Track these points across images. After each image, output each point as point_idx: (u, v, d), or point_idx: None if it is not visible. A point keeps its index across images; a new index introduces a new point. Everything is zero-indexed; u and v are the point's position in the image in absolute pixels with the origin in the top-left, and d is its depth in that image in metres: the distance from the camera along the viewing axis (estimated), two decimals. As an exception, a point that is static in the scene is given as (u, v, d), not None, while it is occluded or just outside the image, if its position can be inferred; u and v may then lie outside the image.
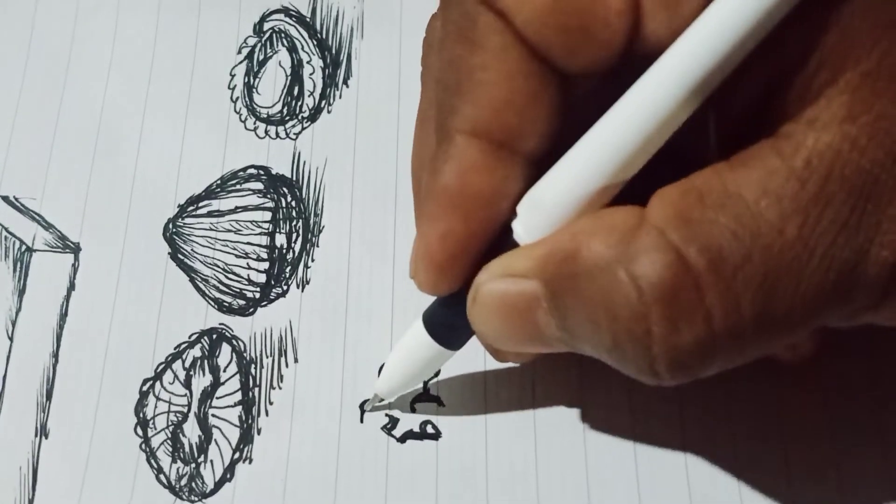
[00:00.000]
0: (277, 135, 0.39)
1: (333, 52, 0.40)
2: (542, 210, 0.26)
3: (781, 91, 0.24)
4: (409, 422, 0.34)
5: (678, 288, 0.24)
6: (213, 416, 0.34)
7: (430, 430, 0.34)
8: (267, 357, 0.35)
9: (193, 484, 0.33)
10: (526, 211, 0.27)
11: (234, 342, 0.35)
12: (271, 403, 0.34)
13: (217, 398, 0.34)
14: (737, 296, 0.23)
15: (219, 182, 0.38)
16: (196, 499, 0.33)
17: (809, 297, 0.24)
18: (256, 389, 0.34)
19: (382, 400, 0.34)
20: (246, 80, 0.40)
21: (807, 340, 0.31)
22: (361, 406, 0.34)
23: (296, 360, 0.35)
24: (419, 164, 0.31)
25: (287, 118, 0.39)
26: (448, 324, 0.30)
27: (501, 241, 0.27)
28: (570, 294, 0.25)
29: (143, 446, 0.34)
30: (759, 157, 0.24)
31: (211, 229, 0.37)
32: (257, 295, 0.36)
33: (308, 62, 0.40)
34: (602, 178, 0.25)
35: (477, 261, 0.28)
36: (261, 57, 0.40)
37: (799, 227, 0.23)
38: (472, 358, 0.35)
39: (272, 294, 0.36)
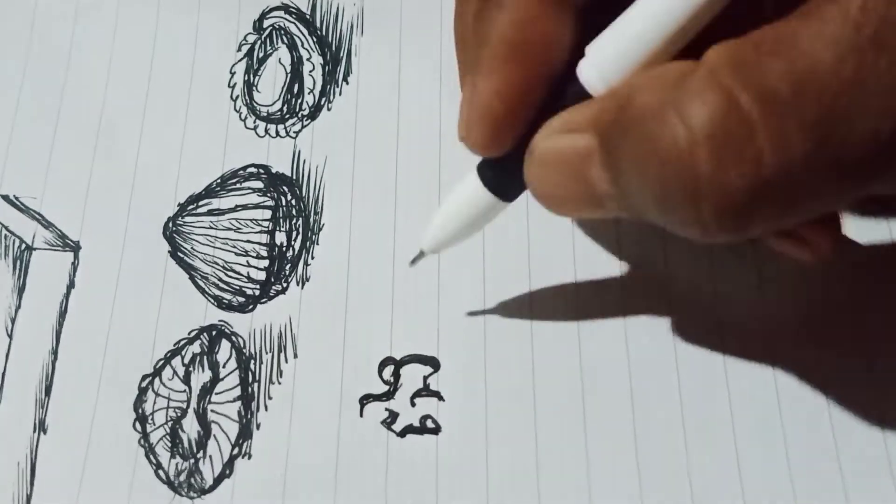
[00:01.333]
0: (277, 133, 0.39)
1: (333, 49, 0.40)
2: (616, 49, 0.26)
3: None
4: (409, 416, 0.34)
5: (728, 126, 0.23)
6: (212, 411, 0.34)
7: (430, 424, 0.34)
8: (266, 353, 0.35)
9: (192, 479, 0.33)
10: (596, 50, 0.26)
11: (234, 338, 0.35)
12: (270, 399, 0.34)
13: (216, 394, 0.34)
14: (789, 136, 0.23)
15: (219, 181, 0.38)
16: (195, 494, 0.33)
17: (865, 144, 0.23)
18: (256, 385, 0.34)
19: (425, 255, 0.33)
20: (246, 77, 0.40)
21: (822, 236, 0.31)
22: (361, 400, 0.34)
23: (295, 356, 0.35)
24: (465, 26, 0.30)
25: (287, 116, 0.39)
26: (503, 174, 0.29)
27: (556, 98, 0.27)
28: (621, 142, 0.25)
29: (142, 442, 0.34)
30: (815, 8, 0.23)
31: (211, 228, 0.37)
32: (257, 292, 0.36)
33: (308, 59, 0.40)
34: (680, 18, 0.25)
35: (532, 117, 0.27)
36: (261, 54, 0.40)
37: (855, 69, 0.22)
38: (473, 354, 0.35)
39: (272, 291, 0.36)
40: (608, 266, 0.36)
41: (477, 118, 0.28)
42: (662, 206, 0.25)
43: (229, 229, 0.37)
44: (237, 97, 0.40)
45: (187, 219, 0.37)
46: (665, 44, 0.25)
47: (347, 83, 0.40)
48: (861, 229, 0.36)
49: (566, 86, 0.27)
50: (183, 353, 0.35)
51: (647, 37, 0.25)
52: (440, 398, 0.34)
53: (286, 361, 0.35)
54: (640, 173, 0.25)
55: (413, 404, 0.34)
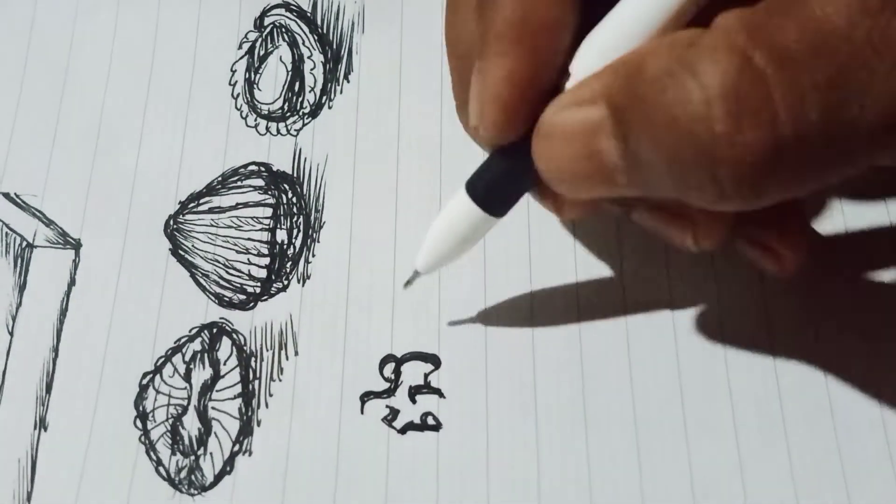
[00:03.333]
0: (278, 131, 0.39)
1: (334, 47, 0.40)
2: (619, 31, 0.26)
3: None
4: (410, 413, 0.34)
5: (743, 85, 0.23)
6: (212, 408, 0.34)
7: (430, 421, 0.34)
8: (267, 350, 0.35)
9: (193, 476, 0.33)
10: (599, 37, 0.27)
11: (235, 336, 0.35)
12: (271, 396, 0.34)
13: (217, 391, 0.34)
14: (804, 95, 0.23)
15: (220, 179, 0.38)
16: (196, 491, 0.33)
17: (879, 106, 0.23)
18: (256, 382, 0.34)
19: (420, 275, 0.33)
20: (247, 75, 0.40)
21: (792, 248, 0.30)
22: (362, 398, 0.34)
23: (296, 353, 0.35)
24: (452, 28, 0.31)
25: (288, 114, 0.39)
26: (492, 188, 0.29)
27: (564, 81, 0.27)
28: (633, 108, 0.25)
29: (143, 439, 0.34)
30: None
31: (212, 226, 0.37)
32: (258, 290, 0.36)
33: (309, 57, 0.40)
34: None
35: (542, 100, 0.27)
36: (262, 52, 0.40)
37: (867, 31, 0.22)
38: (473, 350, 0.35)
39: (273, 289, 0.36)
40: (609, 263, 0.36)
41: (489, 104, 0.28)
42: (676, 171, 0.25)
43: (230, 227, 0.37)
44: (238, 95, 0.40)
45: (188, 216, 0.37)
46: (666, 23, 0.25)
47: (348, 81, 0.40)
48: (861, 229, 0.36)
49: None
50: (184, 350, 0.35)
51: (649, 18, 0.25)
52: (441, 395, 0.34)
53: (287, 359, 0.35)
54: (652, 138, 0.25)
55: (414, 401, 0.34)
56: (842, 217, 0.36)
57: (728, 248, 0.31)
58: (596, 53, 0.26)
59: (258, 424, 0.34)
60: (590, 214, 0.32)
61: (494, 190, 0.29)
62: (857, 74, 0.23)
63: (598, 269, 0.36)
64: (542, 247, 0.36)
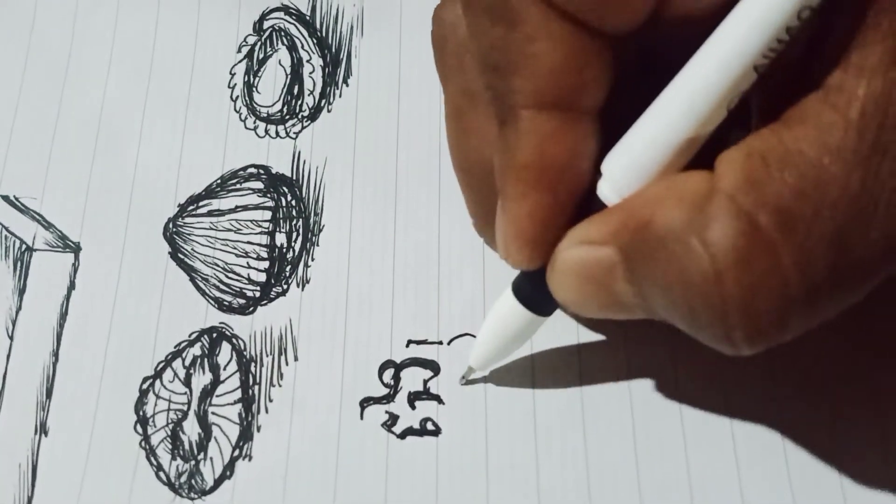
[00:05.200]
0: (277, 134, 0.39)
1: (333, 50, 0.40)
2: (629, 166, 0.26)
3: (823, 39, 0.24)
4: (409, 418, 0.34)
5: (752, 253, 0.24)
6: (212, 413, 0.34)
7: (430, 426, 0.34)
8: (267, 355, 0.35)
9: (193, 481, 0.33)
10: (612, 168, 0.27)
11: (234, 341, 0.35)
12: (271, 401, 0.34)
13: (217, 396, 0.34)
14: (810, 253, 0.24)
15: (219, 181, 0.38)
16: (196, 496, 0.33)
17: (880, 244, 0.24)
18: (256, 387, 0.34)
19: (475, 373, 0.34)
20: (246, 78, 0.40)
21: None
22: (361, 403, 0.34)
23: (296, 358, 0.35)
24: (465, 157, 0.32)
25: (287, 117, 0.39)
26: (537, 291, 0.30)
27: (588, 208, 0.28)
28: (644, 262, 0.26)
29: (143, 444, 0.34)
30: (814, 112, 0.24)
31: (211, 229, 0.37)
32: (257, 294, 0.36)
33: (308, 61, 0.40)
34: (690, 128, 0.25)
35: (567, 227, 0.28)
36: (261, 56, 0.40)
37: (862, 178, 0.23)
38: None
39: (272, 293, 0.36)
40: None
41: (513, 241, 0.28)
42: (690, 323, 0.26)
43: (229, 230, 0.37)
44: (237, 98, 0.40)
45: (187, 220, 0.37)
46: (674, 156, 0.26)
47: (347, 85, 0.40)
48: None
49: (595, 196, 0.28)
50: (183, 355, 0.35)
51: (657, 151, 0.26)
52: (440, 401, 0.34)
53: (286, 364, 0.35)
54: (666, 294, 0.25)
55: (413, 407, 0.34)
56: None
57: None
58: (617, 177, 0.27)
59: (258, 429, 0.34)
60: None
61: (539, 293, 0.30)
62: (858, 220, 0.23)
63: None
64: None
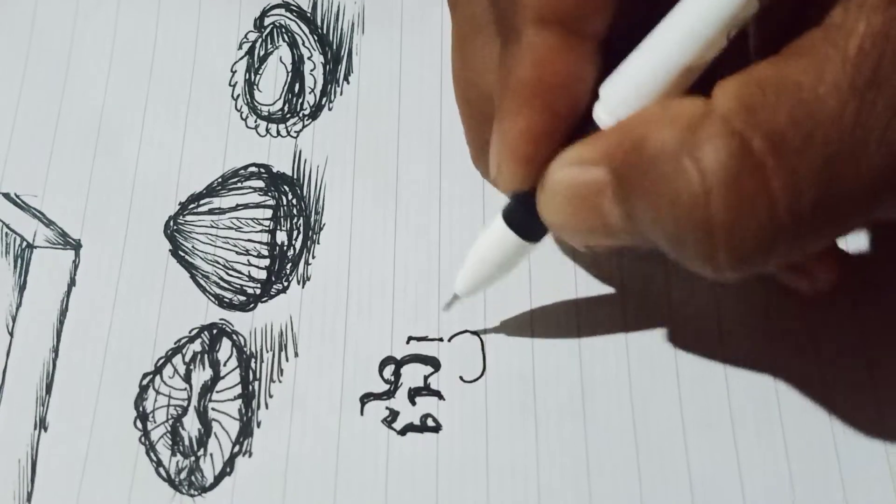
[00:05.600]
0: (278, 132, 0.39)
1: (334, 47, 0.40)
2: (627, 90, 0.26)
3: None
4: (410, 415, 0.34)
5: (742, 173, 0.24)
6: (212, 409, 0.34)
7: (430, 423, 0.34)
8: (267, 352, 0.35)
9: (193, 477, 0.33)
10: (609, 93, 0.27)
11: (235, 337, 0.35)
12: (271, 397, 0.34)
13: (217, 392, 0.34)
14: (800, 180, 0.24)
15: (220, 180, 0.38)
16: (196, 492, 0.33)
17: (869, 180, 0.24)
18: (256, 383, 0.34)
19: (459, 299, 0.33)
20: (247, 76, 0.40)
21: (826, 270, 0.31)
22: (362, 399, 0.34)
23: (296, 355, 0.35)
24: (466, 84, 0.32)
25: (288, 115, 0.39)
26: (528, 216, 0.30)
27: (582, 130, 0.27)
28: (635, 181, 0.26)
29: (143, 439, 0.34)
30: (813, 46, 0.24)
31: (212, 227, 0.37)
32: (258, 291, 0.36)
33: (309, 58, 0.40)
34: (690, 55, 0.25)
35: (560, 151, 0.28)
36: (262, 52, 0.40)
37: (856, 111, 0.23)
38: (472, 352, 0.35)
39: (273, 290, 0.36)
40: (609, 267, 0.36)
41: (506, 158, 0.28)
42: (676, 245, 0.26)
43: (230, 228, 0.37)
44: (238, 96, 0.40)
45: (188, 217, 0.37)
46: (672, 83, 0.26)
47: (348, 83, 0.40)
48: (860, 230, 0.36)
49: (589, 120, 0.27)
50: (184, 351, 0.35)
51: (656, 77, 0.26)
52: (440, 397, 0.34)
53: (287, 360, 0.35)
54: (654, 214, 0.25)
55: (413, 403, 0.34)
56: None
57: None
58: (614, 101, 0.27)
59: (258, 425, 0.34)
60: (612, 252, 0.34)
61: (530, 218, 0.30)
62: (849, 152, 0.24)
63: (597, 271, 0.36)
64: (542, 249, 0.36)
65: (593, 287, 0.36)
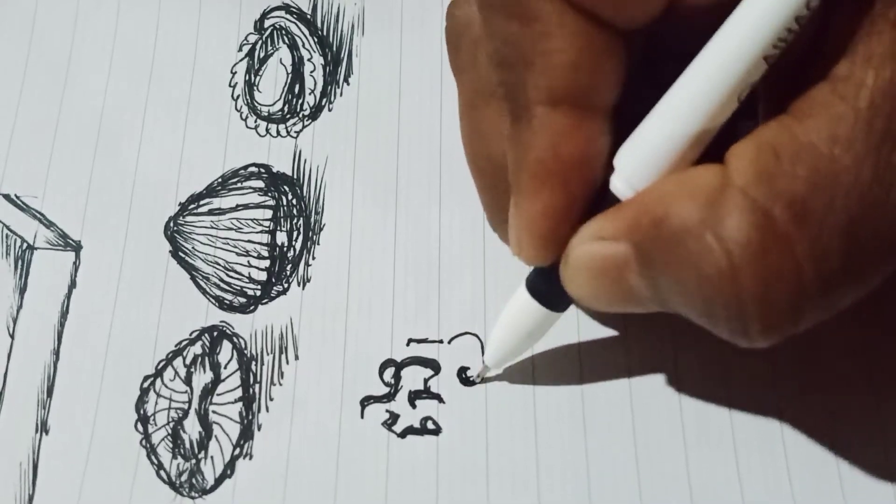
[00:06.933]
0: (278, 133, 0.39)
1: (334, 49, 0.40)
2: (641, 159, 0.26)
3: (830, 28, 0.24)
4: (410, 417, 0.34)
5: (767, 246, 0.24)
6: (213, 412, 0.34)
7: (430, 426, 0.34)
8: (268, 354, 0.35)
9: (194, 480, 0.33)
10: (624, 163, 0.27)
11: (235, 339, 0.35)
12: (272, 400, 0.34)
13: (217, 395, 0.34)
14: (825, 246, 0.24)
15: (220, 180, 0.38)
16: (196, 495, 0.33)
17: (891, 236, 0.24)
18: (257, 386, 0.34)
19: (490, 371, 0.34)
20: (247, 77, 0.40)
21: None
22: (362, 402, 0.34)
23: (296, 357, 0.35)
24: (478, 154, 0.32)
25: (288, 116, 0.39)
26: (551, 287, 0.30)
27: (600, 203, 0.28)
28: (659, 258, 0.26)
29: (144, 442, 0.34)
30: (823, 103, 0.24)
31: (212, 227, 0.37)
32: (258, 293, 0.36)
33: (309, 59, 0.40)
34: (702, 120, 0.25)
35: (580, 224, 0.28)
36: (262, 54, 0.40)
37: (874, 167, 0.23)
38: (472, 355, 0.35)
39: (273, 292, 0.36)
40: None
41: (526, 237, 0.28)
42: (707, 319, 0.26)
43: (230, 229, 0.37)
44: (238, 97, 0.40)
45: (188, 218, 0.37)
46: (686, 149, 0.26)
47: (348, 84, 0.40)
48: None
49: (607, 191, 0.28)
50: (184, 353, 0.35)
51: (669, 144, 0.26)
52: (440, 400, 0.34)
53: (287, 363, 0.35)
54: (681, 288, 0.26)
55: (413, 406, 0.34)
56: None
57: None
58: (630, 171, 0.27)
59: (259, 428, 0.34)
60: None
61: (553, 289, 0.30)
62: (870, 210, 0.24)
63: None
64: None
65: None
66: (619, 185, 0.27)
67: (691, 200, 0.25)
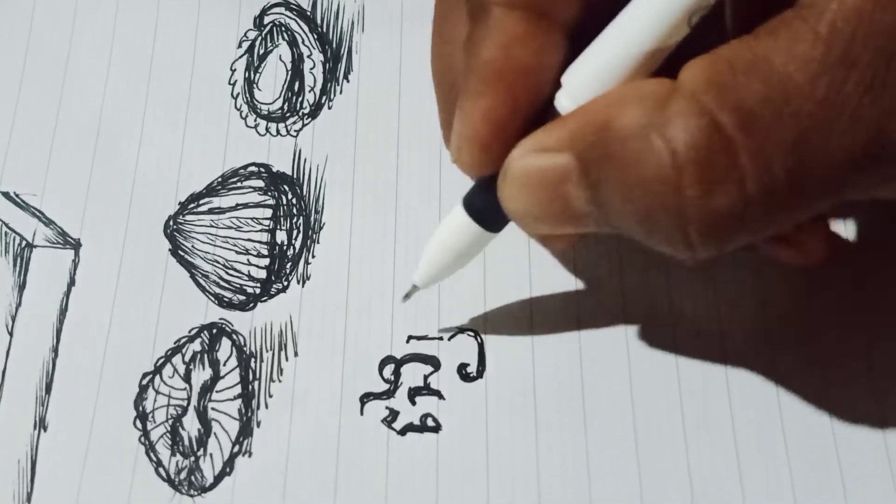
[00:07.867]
0: (278, 132, 0.39)
1: (334, 46, 0.40)
2: (589, 77, 0.26)
3: None
4: (410, 415, 0.34)
5: (712, 150, 0.24)
6: (212, 409, 0.34)
7: (430, 423, 0.34)
8: (267, 351, 0.35)
9: (193, 477, 0.33)
10: (572, 79, 0.27)
11: (234, 336, 0.35)
12: (271, 396, 0.34)
13: (217, 392, 0.34)
14: (769, 157, 0.24)
15: (219, 179, 0.38)
16: (196, 492, 0.33)
17: (839, 159, 0.24)
18: (256, 383, 0.34)
19: (418, 289, 0.33)
20: (246, 75, 0.40)
21: (818, 241, 0.31)
22: (362, 399, 0.34)
23: (296, 354, 0.35)
24: (439, 63, 0.32)
25: (287, 114, 0.39)
26: (488, 205, 0.29)
27: (544, 117, 0.27)
28: (602, 163, 0.25)
29: (143, 439, 0.34)
30: (785, 25, 0.24)
31: (212, 226, 0.37)
32: (258, 290, 0.36)
33: (309, 56, 0.40)
34: (651, 40, 0.25)
35: (521, 136, 0.27)
36: (261, 51, 0.40)
37: (826, 88, 0.23)
38: (472, 352, 0.35)
39: (272, 289, 0.36)
40: (609, 266, 0.36)
41: (466, 141, 0.28)
42: (646, 226, 0.26)
43: (230, 228, 0.37)
44: (238, 95, 0.39)
45: (188, 217, 0.37)
46: (635, 68, 0.26)
47: (348, 81, 0.40)
48: (859, 229, 0.36)
49: (551, 109, 0.27)
50: (183, 350, 0.35)
51: (618, 62, 0.26)
52: (440, 397, 0.34)
53: (286, 360, 0.35)
54: (623, 195, 0.25)
55: (413, 403, 0.34)
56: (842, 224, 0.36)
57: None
58: (576, 88, 0.27)
59: (258, 425, 0.34)
60: (573, 245, 0.33)
61: (490, 207, 0.29)
62: (818, 130, 0.23)
63: (597, 272, 0.36)
64: (541, 249, 0.36)
65: (593, 287, 0.35)
66: (565, 101, 0.27)
67: (638, 105, 0.25)
